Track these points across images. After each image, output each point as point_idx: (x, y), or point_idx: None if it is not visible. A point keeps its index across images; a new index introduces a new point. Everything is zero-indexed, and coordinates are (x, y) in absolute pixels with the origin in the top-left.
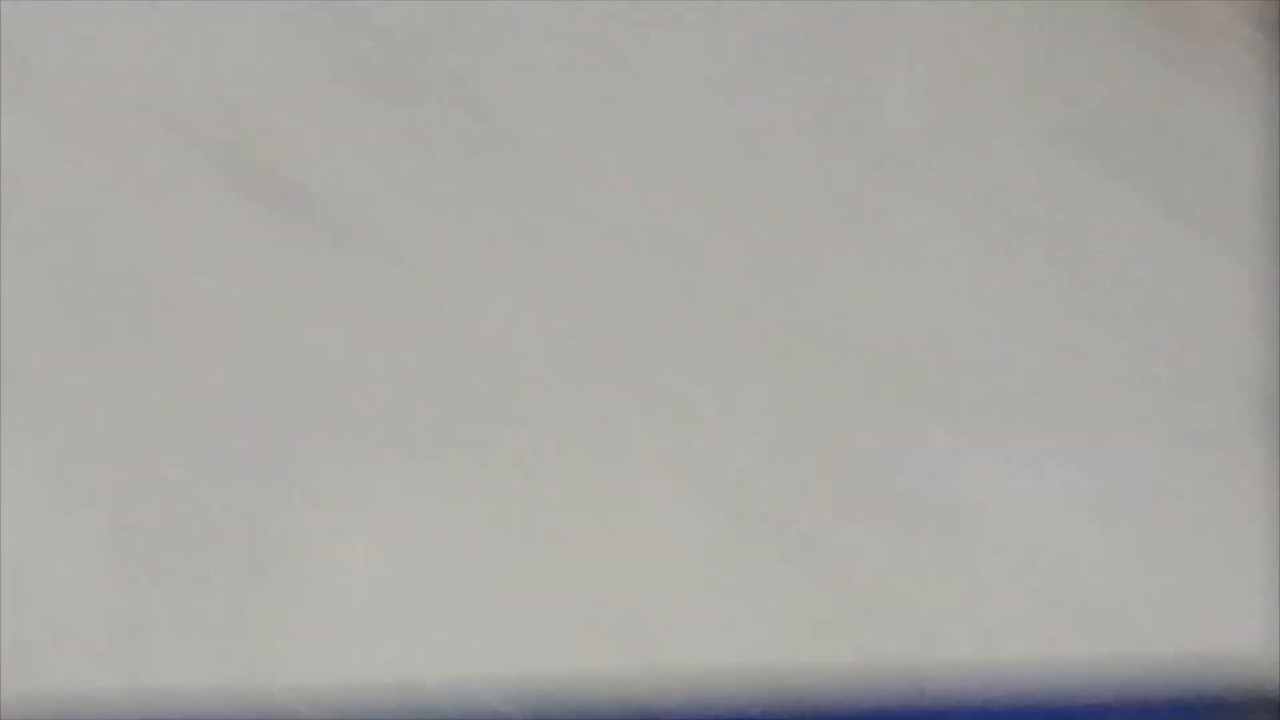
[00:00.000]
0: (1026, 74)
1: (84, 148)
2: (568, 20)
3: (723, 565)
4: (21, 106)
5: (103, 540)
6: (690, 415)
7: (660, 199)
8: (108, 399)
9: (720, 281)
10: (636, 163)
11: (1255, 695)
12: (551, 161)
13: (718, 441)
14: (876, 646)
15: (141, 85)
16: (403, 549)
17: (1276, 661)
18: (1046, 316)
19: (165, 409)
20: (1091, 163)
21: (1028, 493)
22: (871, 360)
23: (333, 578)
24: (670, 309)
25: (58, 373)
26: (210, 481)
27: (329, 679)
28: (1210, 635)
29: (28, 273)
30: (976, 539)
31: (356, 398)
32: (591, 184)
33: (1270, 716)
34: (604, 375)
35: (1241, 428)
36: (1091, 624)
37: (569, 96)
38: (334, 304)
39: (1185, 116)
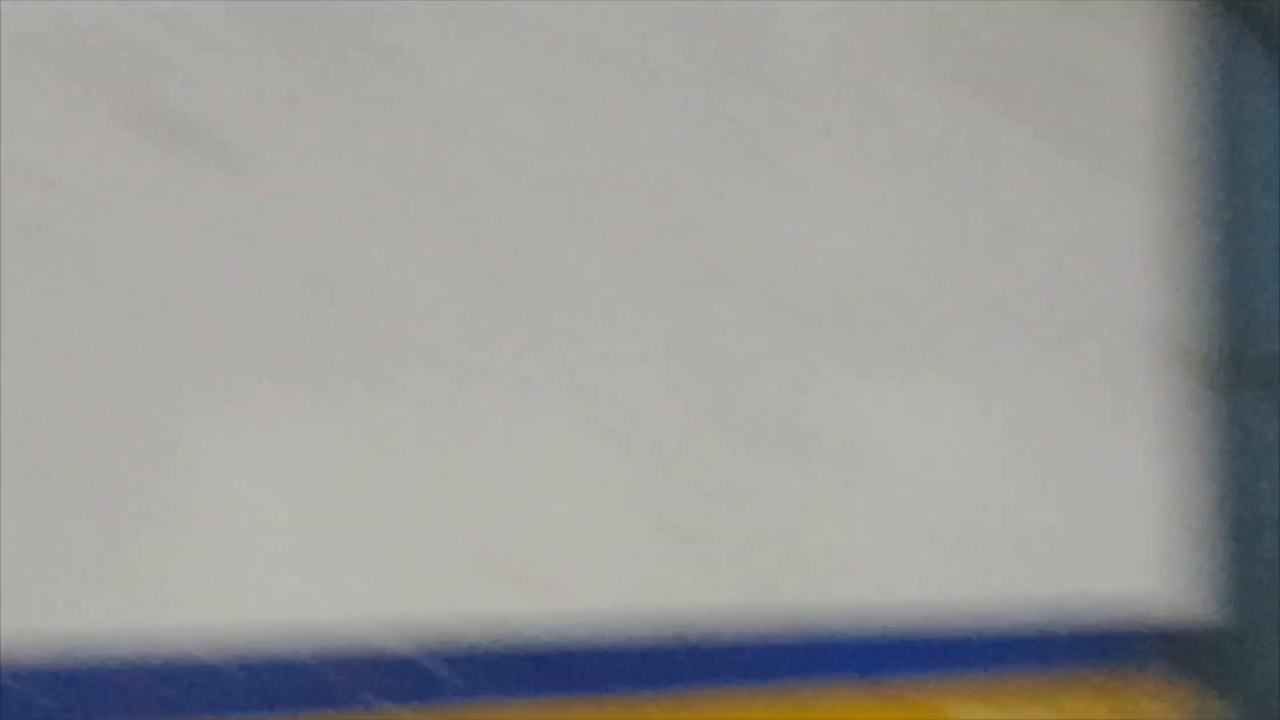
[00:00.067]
0: (923, 13)
1: None
2: None
3: (619, 503)
4: None
5: None
6: (587, 353)
7: (557, 137)
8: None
9: (617, 219)
10: (532, 101)
11: (1146, 628)
12: (448, 100)
13: (614, 379)
14: (773, 583)
15: (33, 21)
16: (299, 488)
17: (1167, 596)
18: (944, 254)
19: (58, 346)
20: (987, 100)
21: (924, 431)
22: (769, 298)
23: (228, 518)
24: (566, 246)
25: None
26: (104, 420)
27: (224, 618)
28: (1103, 571)
29: None
30: (873, 477)
31: (251, 335)
32: (487, 122)
33: (1160, 648)
34: (500, 312)
35: (1136, 367)
36: (987, 560)
37: (465, 36)
38: (230, 240)
39: (1080, 54)
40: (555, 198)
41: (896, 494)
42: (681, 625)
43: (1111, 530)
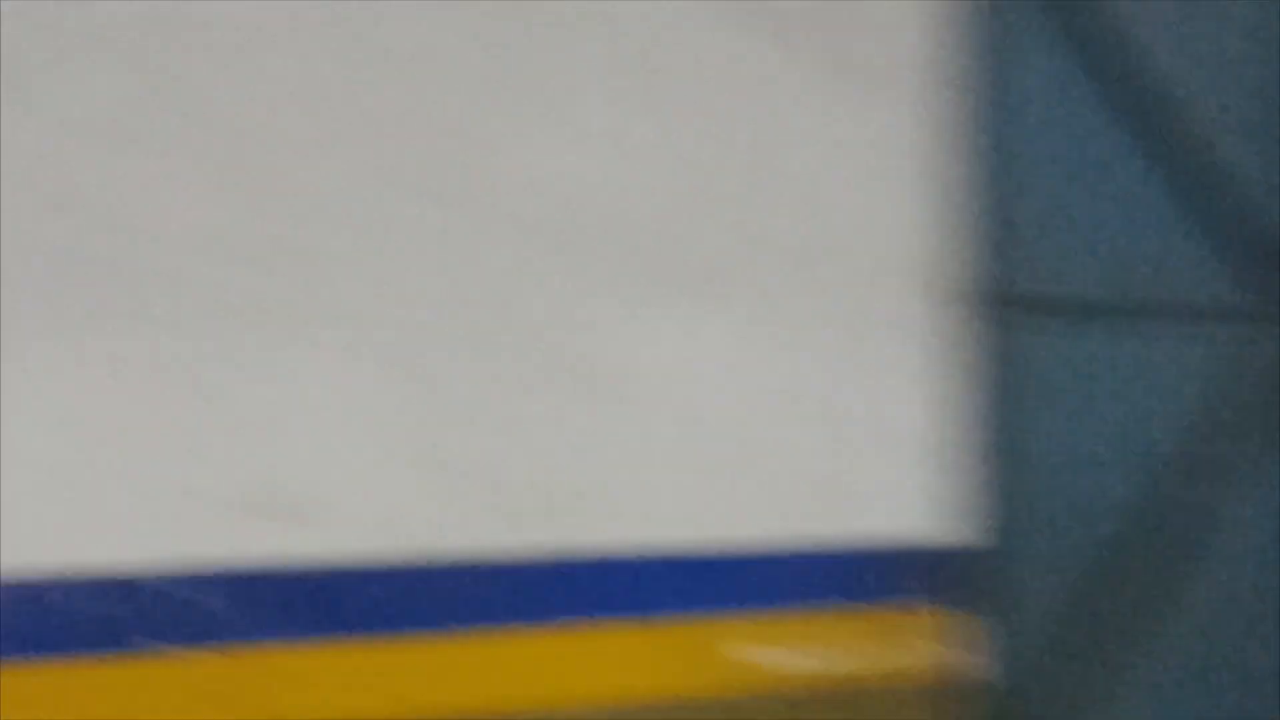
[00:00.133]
0: None
1: None
2: None
3: (387, 435)
4: None
5: None
6: (353, 283)
7: (314, 61)
8: None
9: (381, 151)
10: (287, 25)
11: (914, 559)
12: (204, 23)
13: (381, 309)
14: (541, 517)
15: None
16: (62, 425)
17: (934, 526)
18: (711, 185)
19: None
20: (755, 28)
21: (691, 363)
22: (534, 227)
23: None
24: (330, 172)
25: None
26: None
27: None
28: (871, 503)
29: None
30: (638, 409)
31: (7, 266)
32: (241, 47)
33: (928, 578)
34: (261, 240)
35: (904, 299)
36: (755, 494)
37: None
38: None
39: None
40: (318, 122)
41: (662, 427)
42: (450, 559)
43: (879, 462)
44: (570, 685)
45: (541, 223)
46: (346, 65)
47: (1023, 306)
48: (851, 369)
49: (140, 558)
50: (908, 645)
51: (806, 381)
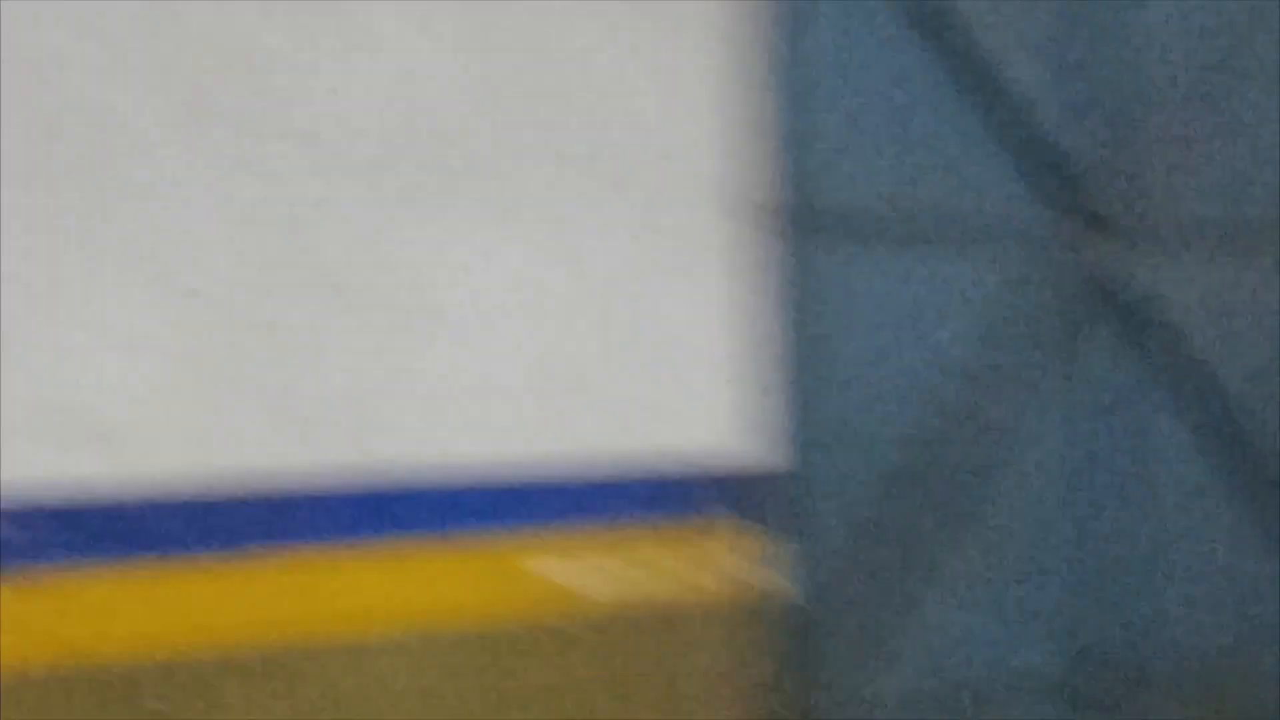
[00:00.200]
0: None
1: None
2: None
3: (188, 358)
4: None
5: None
6: (150, 205)
7: None
8: None
9: (169, 72)
10: None
11: (715, 477)
12: None
13: (178, 231)
14: (341, 438)
15: None
16: None
17: (735, 444)
18: (509, 103)
19: None
20: None
21: (491, 282)
22: (332, 146)
23: None
24: (122, 102)
25: None
26: None
27: None
28: (672, 421)
29: None
30: (440, 328)
31: None
32: None
33: (729, 496)
34: (58, 162)
35: (704, 217)
36: (556, 412)
37: None
38: None
39: None
40: (106, 48)
41: (463, 346)
42: (253, 482)
43: (679, 380)
44: (374, 607)
45: (336, 140)
46: None
47: (820, 224)
48: (654, 288)
49: None
50: (710, 563)
51: (609, 300)
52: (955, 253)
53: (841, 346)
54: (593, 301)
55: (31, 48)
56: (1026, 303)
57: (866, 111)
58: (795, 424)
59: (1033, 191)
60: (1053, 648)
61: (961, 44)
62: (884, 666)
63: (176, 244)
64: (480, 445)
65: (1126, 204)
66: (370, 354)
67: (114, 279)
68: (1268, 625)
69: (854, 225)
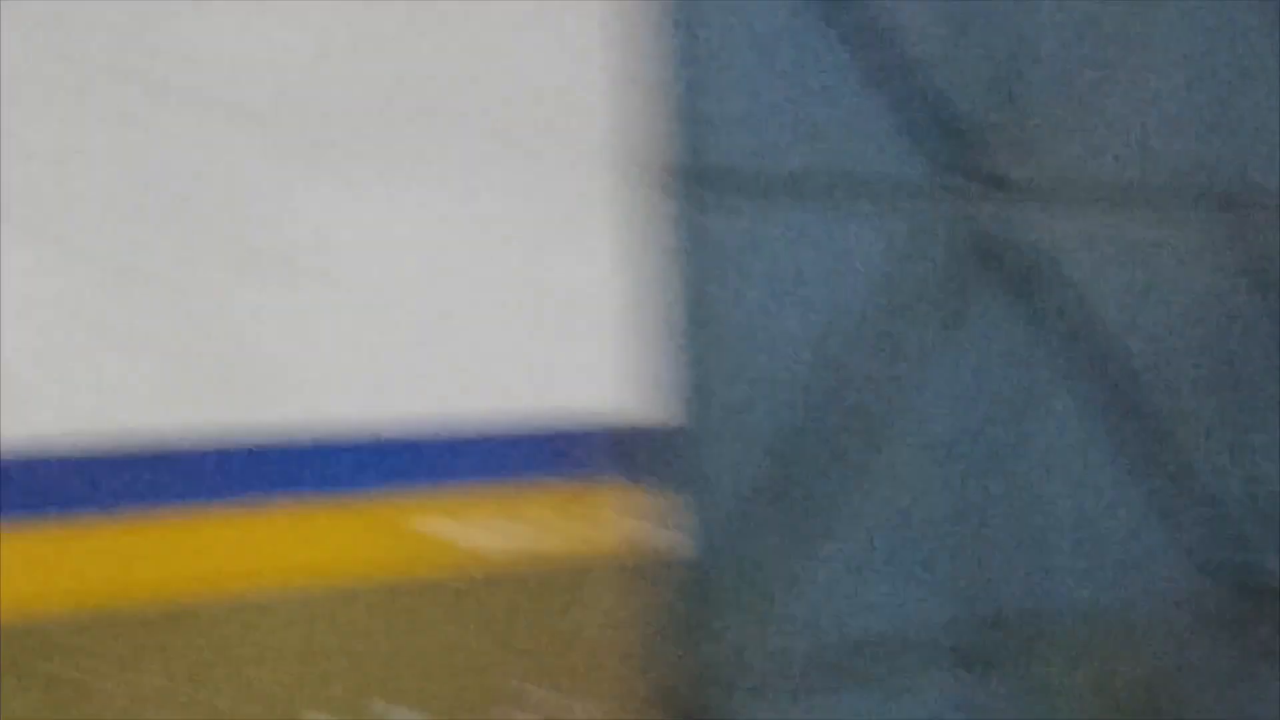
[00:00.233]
0: None
1: None
2: None
3: (70, 317)
4: None
5: None
6: (33, 166)
7: None
8: None
9: (50, 26)
10: None
11: (605, 434)
12: None
13: (54, 187)
14: (224, 396)
15: None
16: None
17: (625, 401)
18: (398, 56)
19: None
20: None
21: (378, 238)
22: (211, 98)
23: None
24: (11, 49)
25: None
26: None
27: None
28: (562, 378)
29: None
30: (324, 286)
31: None
32: None
33: (619, 453)
34: None
35: (595, 173)
36: (444, 370)
37: None
38: None
39: None
40: None
41: (349, 303)
42: (140, 439)
43: (570, 337)
44: (264, 565)
45: (228, 96)
46: None
47: (714, 183)
48: (547, 245)
49: None
50: (602, 521)
51: (502, 257)
52: (847, 211)
53: (733, 305)
54: (484, 260)
55: None
56: (919, 261)
57: (758, 71)
58: (687, 382)
59: (924, 150)
60: (945, 606)
61: (853, 3)
62: (776, 625)
63: (66, 201)
64: (371, 403)
65: (1020, 163)
66: (262, 312)
67: (5, 239)
68: (1155, 585)
69: (745, 184)
